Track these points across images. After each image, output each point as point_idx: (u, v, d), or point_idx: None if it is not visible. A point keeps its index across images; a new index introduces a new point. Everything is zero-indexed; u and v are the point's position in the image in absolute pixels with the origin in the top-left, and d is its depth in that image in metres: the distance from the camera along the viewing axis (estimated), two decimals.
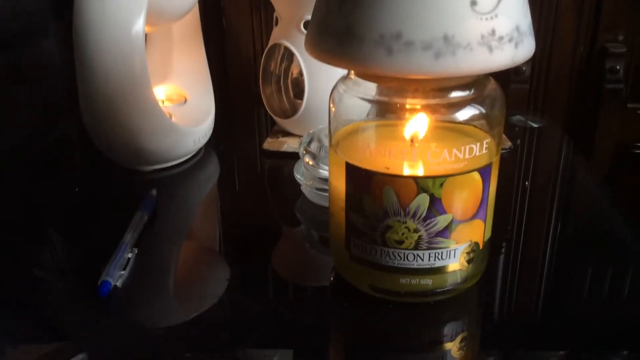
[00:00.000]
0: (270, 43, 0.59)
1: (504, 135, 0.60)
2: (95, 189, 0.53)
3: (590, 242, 0.45)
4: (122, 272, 0.38)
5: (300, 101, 0.59)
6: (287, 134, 0.62)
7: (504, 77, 0.73)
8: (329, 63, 0.31)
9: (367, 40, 0.28)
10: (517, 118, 0.66)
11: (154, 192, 0.48)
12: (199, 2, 0.69)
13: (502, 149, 0.58)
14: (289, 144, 0.60)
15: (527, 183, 0.53)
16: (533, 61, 0.74)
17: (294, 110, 0.60)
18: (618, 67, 0.73)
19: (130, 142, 0.50)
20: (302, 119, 0.58)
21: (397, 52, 0.28)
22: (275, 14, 0.59)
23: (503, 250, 0.43)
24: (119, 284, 0.38)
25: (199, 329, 0.35)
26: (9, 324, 0.34)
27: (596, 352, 0.33)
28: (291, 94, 0.62)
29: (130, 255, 0.40)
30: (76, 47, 0.48)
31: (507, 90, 0.73)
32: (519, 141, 0.63)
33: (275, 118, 0.62)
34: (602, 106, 0.74)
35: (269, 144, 0.60)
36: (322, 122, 0.52)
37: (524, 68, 0.72)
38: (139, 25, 0.46)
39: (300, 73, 0.58)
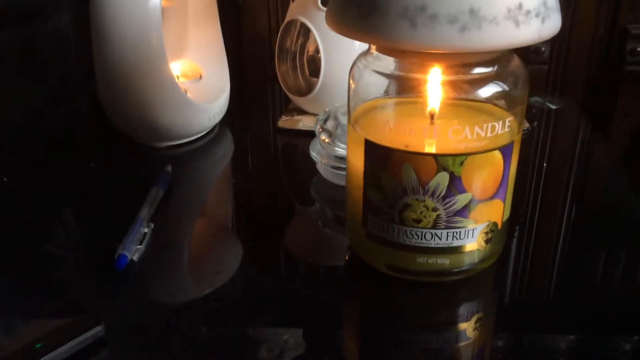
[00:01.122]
0: (287, 19, 0.59)
1: None
2: (110, 164, 0.54)
3: (607, 225, 0.44)
4: (139, 246, 0.39)
5: (315, 79, 0.58)
6: (302, 112, 0.61)
7: (523, 57, 0.72)
8: (351, 37, 0.30)
9: (390, 13, 0.27)
10: (535, 99, 0.66)
11: (169, 167, 0.48)
12: None
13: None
14: (304, 122, 0.59)
15: (544, 164, 0.52)
16: (552, 42, 0.72)
17: (310, 88, 0.59)
18: (639, 49, 0.71)
19: (146, 117, 0.50)
20: (317, 97, 0.58)
21: (421, 26, 0.27)
22: None
23: (517, 232, 0.42)
24: (135, 257, 0.38)
25: (213, 304, 0.35)
26: (28, 298, 0.34)
27: (610, 336, 0.33)
28: (307, 72, 0.62)
29: (146, 230, 0.40)
30: (93, 21, 0.48)
31: None
32: (536, 123, 0.62)
33: (290, 96, 0.62)
34: (621, 88, 0.73)
35: (284, 122, 0.60)
36: (338, 100, 0.51)
37: (543, 49, 0.71)
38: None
39: (317, 50, 0.57)
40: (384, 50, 0.32)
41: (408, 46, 0.28)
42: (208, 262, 0.40)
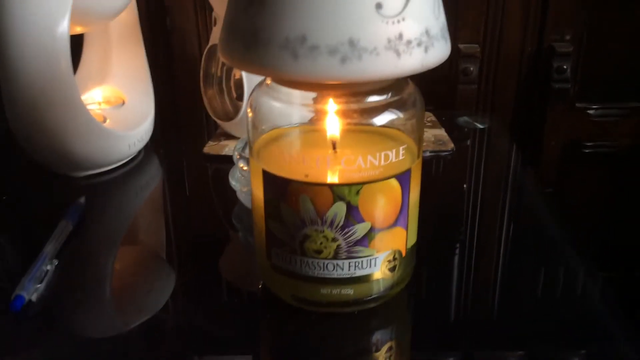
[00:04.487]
0: (210, 44, 0.58)
1: (447, 137, 0.60)
2: (24, 196, 0.51)
3: (532, 243, 0.44)
4: (39, 285, 0.37)
5: (242, 103, 0.57)
6: (230, 136, 0.61)
7: (452, 77, 0.73)
8: (238, 68, 0.29)
9: (272, 44, 0.27)
10: (464, 119, 0.66)
11: (82, 199, 0.46)
12: (142, 1, 0.67)
13: (445, 151, 0.57)
14: (230, 147, 0.58)
15: (464, 186, 0.53)
16: (481, 62, 0.73)
17: (237, 112, 0.59)
18: (565, 67, 0.73)
19: (58, 147, 0.48)
20: (243, 121, 0.57)
21: (302, 57, 0.27)
22: (213, 14, 0.58)
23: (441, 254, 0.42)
24: (34, 298, 0.36)
25: (112, 343, 0.34)
26: None
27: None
28: (234, 95, 0.61)
29: (49, 267, 0.38)
30: None
31: (455, 91, 0.73)
32: (469, 141, 0.63)
33: (218, 121, 0.61)
34: (549, 106, 0.74)
35: (210, 147, 0.59)
36: None
37: (472, 68, 0.72)
38: (64, 26, 0.45)
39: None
40: (277, 80, 0.31)
41: (291, 77, 0.27)
42: (119, 299, 0.38)
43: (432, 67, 0.28)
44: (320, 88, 0.30)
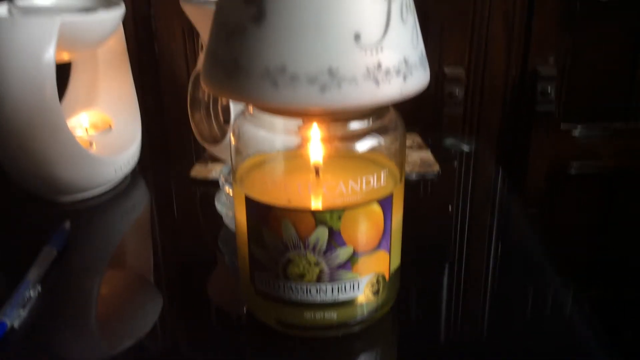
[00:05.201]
0: (196, 70, 0.58)
1: (433, 159, 0.60)
2: (8, 221, 0.51)
3: (518, 265, 0.45)
4: (22, 311, 0.37)
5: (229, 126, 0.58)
6: (217, 160, 0.61)
7: (438, 100, 0.74)
8: (220, 96, 0.30)
9: (253, 74, 0.27)
10: (450, 141, 0.67)
11: (66, 224, 0.46)
12: (131, 26, 0.68)
13: (431, 173, 0.58)
14: (217, 171, 0.58)
15: (450, 208, 0.53)
16: (466, 85, 0.74)
17: (224, 135, 0.59)
18: (549, 90, 0.74)
19: (43, 172, 0.48)
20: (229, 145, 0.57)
21: (282, 86, 0.27)
22: (200, 40, 0.58)
23: (423, 275, 0.42)
24: (16, 324, 0.36)
25: None
26: None
27: None
28: (221, 119, 0.61)
29: (32, 293, 0.38)
30: None
31: (441, 114, 0.74)
32: (455, 163, 0.64)
33: (204, 144, 0.61)
34: (534, 128, 0.75)
35: (197, 171, 0.59)
36: None
37: (457, 91, 0.73)
38: (50, 53, 0.45)
39: None
40: (259, 108, 0.32)
41: (272, 106, 0.28)
42: (104, 325, 0.38)
43: (411, 95, 0.29)
44: (301, 115, 0.31)
